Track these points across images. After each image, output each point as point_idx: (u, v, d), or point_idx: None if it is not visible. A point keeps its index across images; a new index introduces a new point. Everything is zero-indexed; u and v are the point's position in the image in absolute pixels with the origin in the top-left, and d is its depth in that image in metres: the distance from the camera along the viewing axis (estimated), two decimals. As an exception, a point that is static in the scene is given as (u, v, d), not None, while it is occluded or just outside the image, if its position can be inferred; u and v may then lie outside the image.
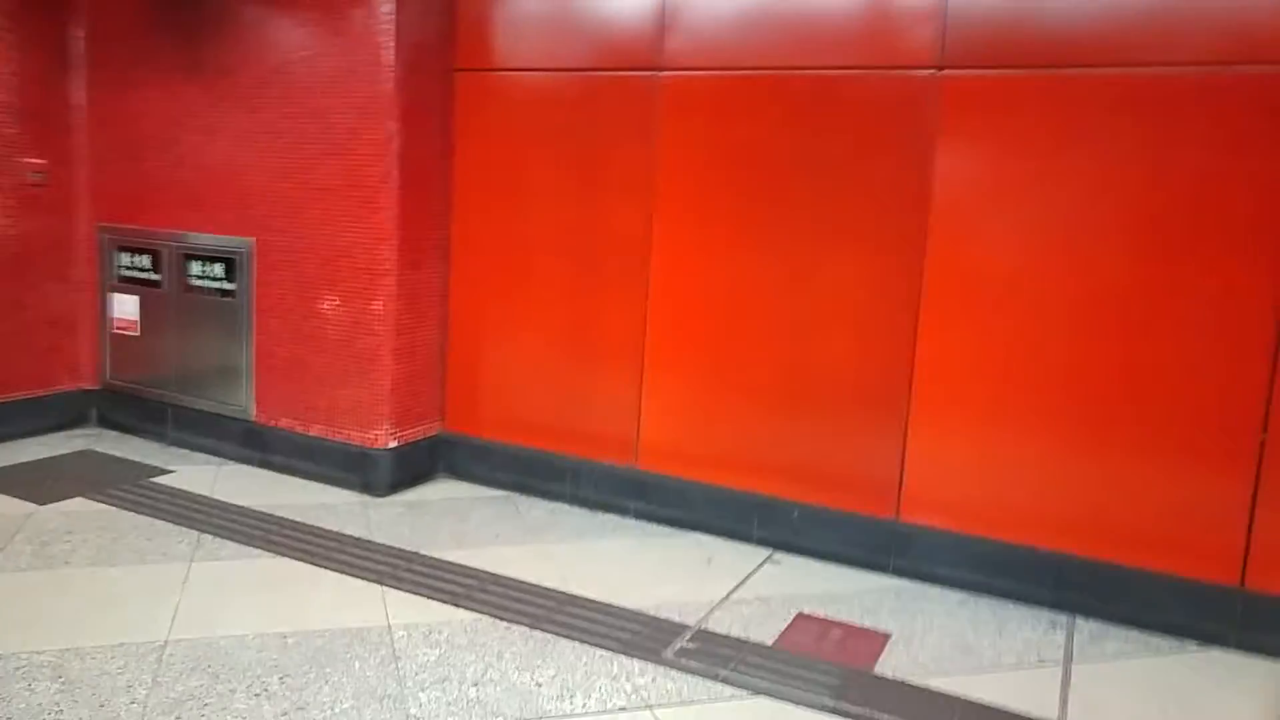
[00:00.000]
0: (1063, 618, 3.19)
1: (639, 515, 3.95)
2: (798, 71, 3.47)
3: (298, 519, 3.77)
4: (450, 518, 3.90)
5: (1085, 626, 3.14)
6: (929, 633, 3.02)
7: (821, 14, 3.41)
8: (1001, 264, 3.22)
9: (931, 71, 3.25)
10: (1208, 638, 3.02)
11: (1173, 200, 2.96)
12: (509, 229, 4.12)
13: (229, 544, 3.47)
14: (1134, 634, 3.09)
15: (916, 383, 3.37)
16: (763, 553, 3.66)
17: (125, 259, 4.74)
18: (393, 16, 3.82)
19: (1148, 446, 3.06)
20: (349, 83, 3.94)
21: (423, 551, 3.49)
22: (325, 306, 4.15)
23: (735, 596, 3.23)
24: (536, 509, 4.07)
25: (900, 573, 3.46)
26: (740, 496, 3.72)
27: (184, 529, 3.59)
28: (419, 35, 3.96)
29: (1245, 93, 2.85)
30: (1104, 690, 2.71)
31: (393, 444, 4.12)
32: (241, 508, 3.86)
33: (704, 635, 2.92)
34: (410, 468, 4.24)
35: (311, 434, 4.26)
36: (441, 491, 4.24)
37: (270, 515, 3.79)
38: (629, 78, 3.79)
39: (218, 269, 4.43)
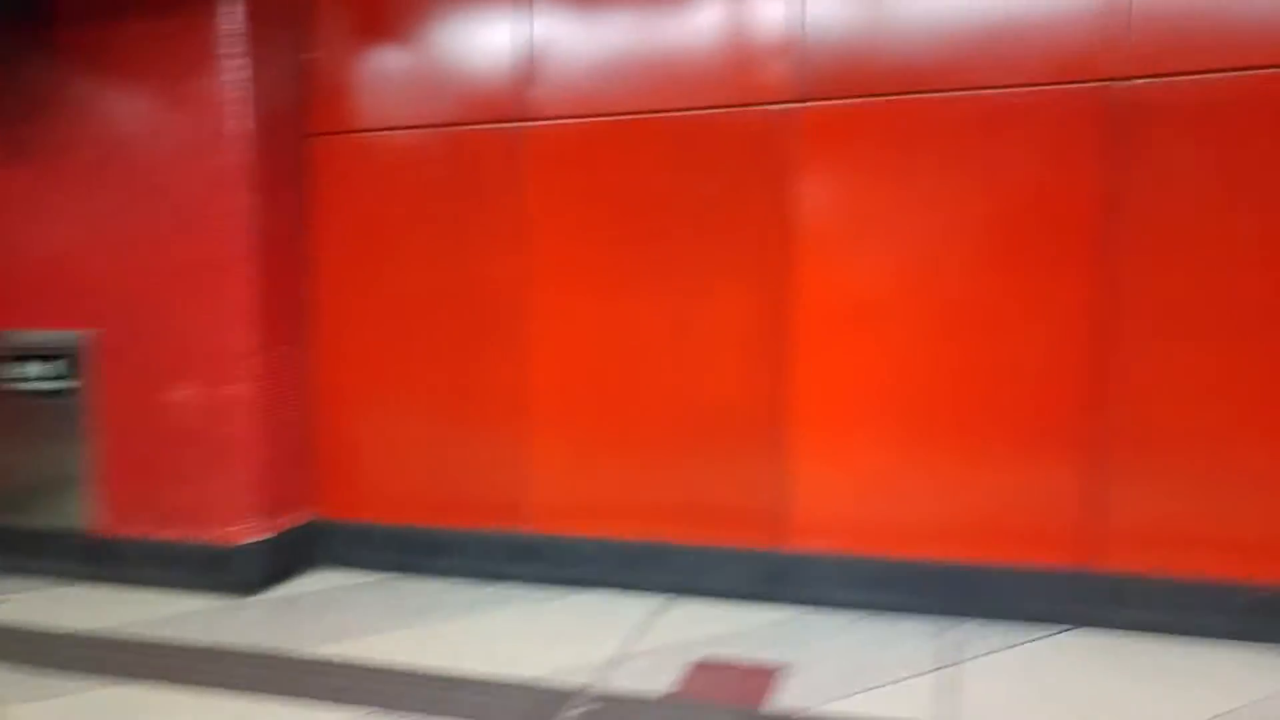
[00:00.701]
0: (948, 623, 3.23)
1: (530, 580, 3.77)
2: (664, 114, 3.56)
3: (148, 635, 3.31)
4: (329, 610, 3.52)
5: (969, 627, 3.21)
6: (824, 659, 3.01)
7: (682, 55, 3.52)
8: (864, 286, 3.38)
9: (790, 105, 3.40)
10: (1074, 620, 3.19)
11: (1007, 213, 3.20)
12: (379, 296, 3.94)
13: (53, 680, 2.93)
14: (1012, 627, 3.20)
15: (794, 410, 3.46)
16: (658, 601, 3.54)
17: (-65, 367, 4.09)
18: (242, 83, 3.68)
19: (1006, 447, 3.25)
20: (197, 155, 3.74)
21: (299, 651, 3.15)
22: (178, 396, 3.74)
23: (632, 650, 3.10)
24: (422, 588, 3.77)
25: (793, 602, 3.47)
26: (632, 546, 3.64)
27: (4, 670, 2.99)
28: (271, 101, 3.83)
29: (1063, 110, 3.12)
30: (990, 685, 2.80)
31: (260, 538, 3.73)
32: (75, 634, 3.34)
33: (601, 697, 2.76)
34: (282, 561, 3.84)
35: (165, 538, 3.79)
36: (318, 582, 3.86)
37: (113, 638, 3.29)
38: (495, 130, 3.78)
39: (49, 367, 3.93)
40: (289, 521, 3.92)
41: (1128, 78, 3.05)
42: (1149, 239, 3.08)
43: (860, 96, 3.35)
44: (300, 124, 3.98)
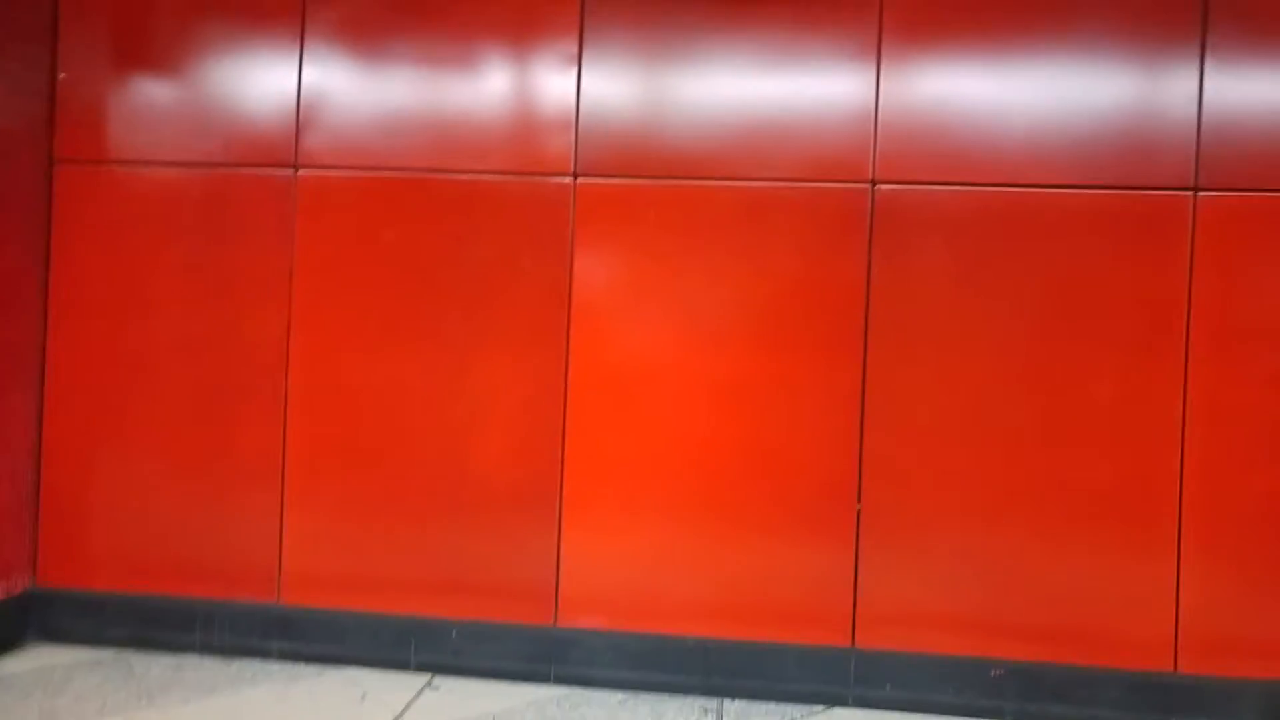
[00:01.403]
0: (714, 703, 3.28)
1: (283, 656, 3.51)
2: (444, 174, 3.49)
3: None
4: (40, 692, 3.17)
5: (732, 707, 3.26)
6: (588, 741, 2.91)
7: (465, 119, 3.48)
8: (638, 359, 3.39)
9: (568, 179, 3.41)
10: (832, 699, 3.27)
11: (778, 297, 3.33)
12: (126, 344, 3.60)
13: None
14: (775, 706, 3.25)
15: (567, 481, 3.39)
16: (422, 679, 3.40)
17: None
18: (-33, 98, 3.21)
19: (773, 525, 3.32)
20: (-100, 172, 3.22)
21: (-13, 746, 2.74)
22: None
23: (389, 735, 2.90)
24: (157, 666, 3.45)
25: (562, 680, 3.39)
26: (395, 621, 3.45)
27: None
28: (5, 120, 3.39)
29: (824, 205, 3.31)
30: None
31: (-40, 608, 3.26)
32: None
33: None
34: (-12, 635, 3.38)
35: None
36: (31, 661, 3.46)
37: None
38: (264, 175, 3.54)
39: None
40: (0, 590, 3.51)
41: (884, 181, 3.28)
42: (897, 331, 3.26)
43: (635, 177, 3.40)
44: (43, 148, 3.58)
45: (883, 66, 3.30)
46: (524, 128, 3.46)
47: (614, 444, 3.37)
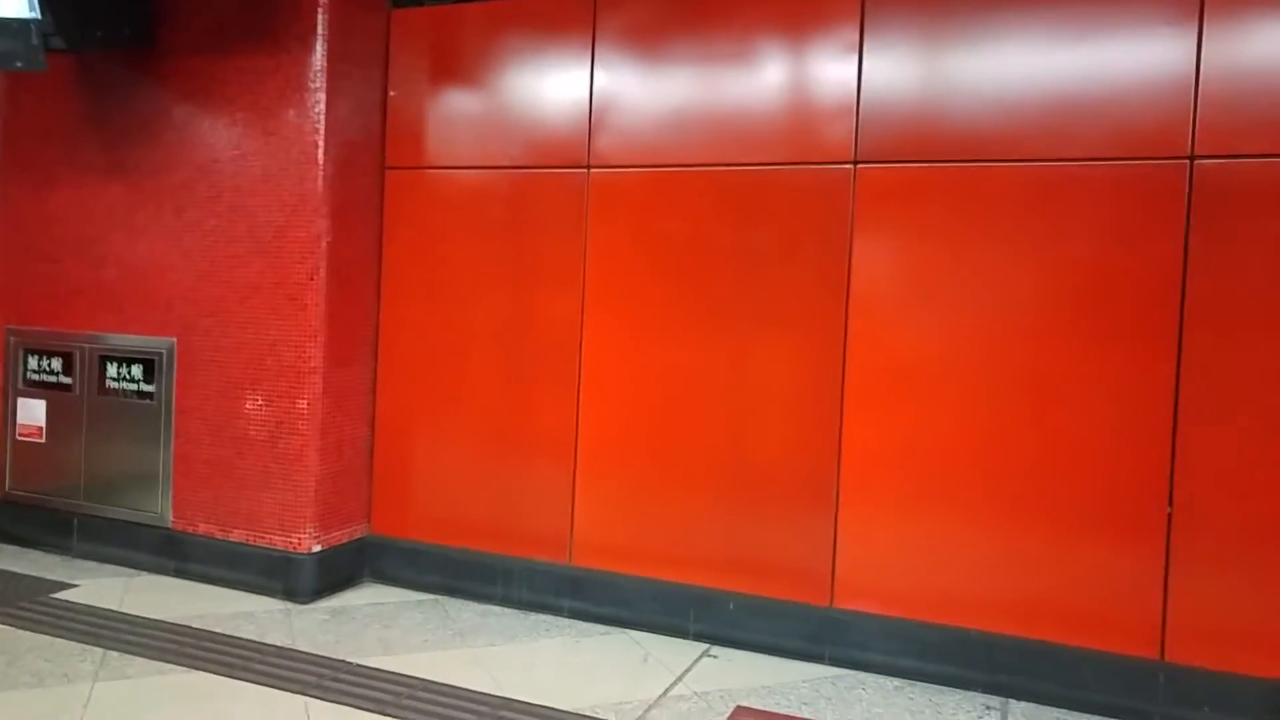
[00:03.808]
0: (997, 701, 3.39)
1: (573, 614, 4.08)
2: (724, 167, 3.86)
3: (215, 629, 3.80)
4: (377, 624, 3.97)
5: (1019, 708, 3.34)
6: (867, 723, 3.19)
7: (743, 112, 3.83)
8: (919, 348, 3.55)
9: (848, 165, 3.65)
10: (1135, 714, 3.25)
11: (1073, 285, 3.35)
12: (440, 324, 4.36)
13: (137, 660, 3.48)
14: (1067, 715, 3.30)
15: (844, 469, 3.64)
16: (699, 647, 3.81)
17: (34, 362, 4.82)
18: (324, 115, 4.14)
19: (1066, 525, 3.35)
20: (278, 181, 4.22)
21: (349, 659, 3.55)
22: (249, 406, 4.29)
23: (673, 693, 3.36)
24: (467, 612, 4.17)
25: (837, 661, 3.64)
26: (676, 590, 3.89)
27: (88, 647, 3.59)
28: (350, 134, 4.28)
29: (1130, 183, 3.28)
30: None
31: (317, 548, 4.20)
32: (153, 621, 3.88)
33: (639, 734, 3.03)
34: (335, 572, 4.31)
35: (232, 539, 4.32)
36: (368, 596, 4.32)
37: (185, 627, 3.82)
38: (560, 174, 4.14)
39: (136, 370, 4.56)
40: (344, 536, 4.37)
41: (1205, 156, 3.18)
42: (1220, 318, 3.16)
43: (919, 161, 3.55)
44: (378, 157, 4.42)
45: (1206, 28, 3.19)
46: (802, 117, 3.74)
47: (893, 433, 3.55)
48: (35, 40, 3.98)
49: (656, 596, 3.92)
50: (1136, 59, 3.30)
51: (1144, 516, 3.26)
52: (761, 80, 3.83)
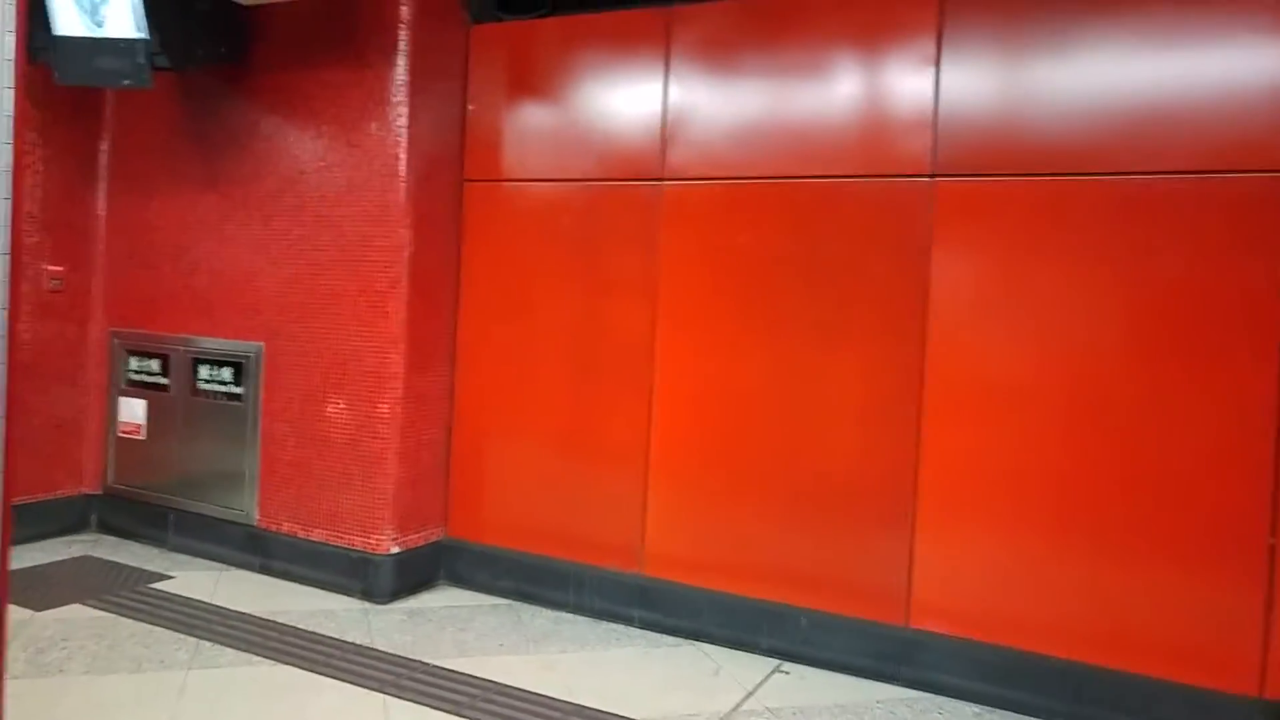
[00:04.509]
0: (1080, 731, 3.34)
1: (643, 624, 4.16)
2: (797, 180, 3.89)
3: (298, 625, 4.01)
4: (452, 626, 4.13)
5: (1103, 740, 3.29)
6: (942, 747, 3.18)
7: (817, 125, 3.85)
8: (1001, 364, 3.52)
9: (925, 178, 3.65)
10: (1231, 753, 3.16)
11: (1164, 302, 3.27)
12: (515, 332, 4.50)
13: (228, 651, 3.70)
14: (1155, 748, 3.23)
15: (921, 485, 3.62)
16: (771, 663, 3.85)
17: (135, 363, 5.16)
18: (406, 129, 4.32)
19: (1158, 552, 3.27)
20: (363, 192, 4.42)
21: (424, 660, 3.70)
22: (331, 410, 4.51)
23: (744, 708, 3.40)
24: (539, 618, 4.29)
25: (912, 683, 3.62)
26: (747, 604, 3.93)
27: (182, 635, 3.84)
28: (431, 147, 4.45)
29: (1226, 197, 3.20)
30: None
31: (395, 550, 4.39)
32: (241, 614, 4.11)
33: (709, 748, 3.09)
34: (412, 574, 4.49)
35: (313, 539, 4.55)
36: (443, 599, 4.48)
37: (270, 621, 4.04)
38: (633, 187, 4.23)
39: (226, 373, 4.83)
40: (421, 538, 4.54)
41: None
42: None
43: (998, 174, 3.52)
44: (457, 170, 4.58)
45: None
46: (877, 129, 3.74)
47: (972, 452, 3.52)
48: (142, 59, 4.26)
49: (727, 610, 3.97)
50: (1233, 66, 3.20)
51: (1243, 546, 3.16)
52: (835, 92, 3.84)
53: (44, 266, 5.04)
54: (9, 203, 0.84)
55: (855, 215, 3.78)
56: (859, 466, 3.74)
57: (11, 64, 0.82)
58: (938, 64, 3.66)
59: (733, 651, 3.94)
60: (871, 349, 3.73)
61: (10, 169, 0.84)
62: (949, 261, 3.62)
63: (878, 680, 3.67)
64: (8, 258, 0.85)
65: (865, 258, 3.75)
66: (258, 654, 3.68)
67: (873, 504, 3.71)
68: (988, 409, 3.53)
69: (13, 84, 0.82)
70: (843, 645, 3.75)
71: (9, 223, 0.85)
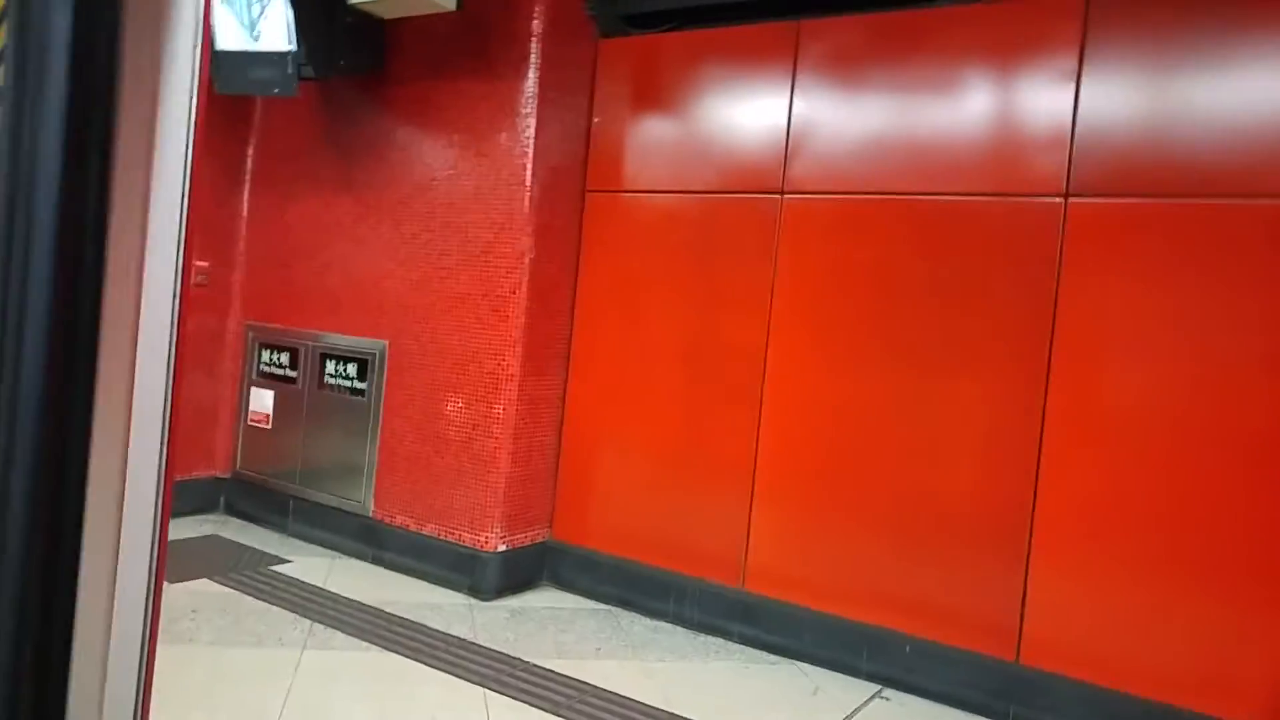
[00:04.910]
0: (1209, 789, 3.17)
1: (742, 639, 4.16)
2: (922, 196, 3.85)
3: (406, 616, 4.19)
4: (553, 626, 4.23)
5: (1235, 801, 3.11)
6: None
7: (944, 142, 3.82)
8: (1131, 395, 3.39)
9: (1058, 199, 3.57)
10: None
11: None
12: (629, 341, 4.60)
13: (339, 635, 3.91)
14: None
15: (1039, 517, 3.52)
16: (871, 687, 3.79)
17: (266, 356, 5.51)
18: (533, 140, 4.49)
19: None
20: (488, 200, 4.62)
21: (525, 658, 3.81)
22: (449, 408, 4.71)
23: (843, 732, 3.39)
24: (638, 625, 4.35)
25: None
26: (849, 626, 3.89)
27: (298, 617, 4.07)
28: (555, 158, 4.62)
29: None
30: None
31: (502, 547, 4.54)
32: (353, 601, 4.33)
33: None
34: (517, 573, 4.63)
35: (425, 533, 4.75)
36: (545, 599, 4.60)
37: (380, 610, 4.24)
38: (753, 200, 4.27)
39: (351, 369, 5.11)
40: (527, 538, 4.67)
41: None
42: None
43: (1138, 196, 3.40)
44: (579, 180, 4.73)
45: None
46: (1008, 147, 3.68)
47: (1097, 483, 3.40)
48: (290, 69, 4.58)
49: (829, 630, 3.94)
50: None
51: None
52: (965, 107, 3.80)
53: (194, 262, 5.45)
54: (184, 211, 0.95)
55: (981, 235, 3.72)
56: (973, 493, 3.66)
57: (195, 82, 0.93)
58: (1078, 79, 3.57)
59: (832, 673, 3.90)
60: (992, 373, 3.66)
61: (189, 176, 0.96)
62: (1080, 285, 3.51)
63: (984, 715, 3.57)
64: (180, 259, 0.96)
65: (990, 279, 3.69)
66: (367, 640, 3.87)
67: (986, 533, 3.62)
68: (1116, 441, 3.41)
69: (195, 97, 0.94)
70: (948, 676, 3.66)
71: (184, 225, 0.97)
